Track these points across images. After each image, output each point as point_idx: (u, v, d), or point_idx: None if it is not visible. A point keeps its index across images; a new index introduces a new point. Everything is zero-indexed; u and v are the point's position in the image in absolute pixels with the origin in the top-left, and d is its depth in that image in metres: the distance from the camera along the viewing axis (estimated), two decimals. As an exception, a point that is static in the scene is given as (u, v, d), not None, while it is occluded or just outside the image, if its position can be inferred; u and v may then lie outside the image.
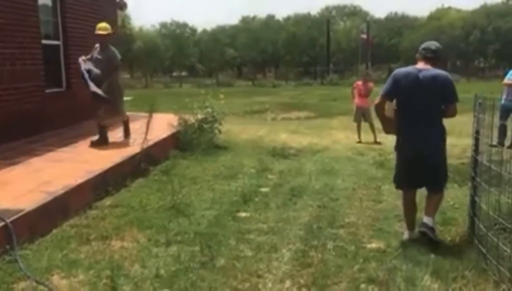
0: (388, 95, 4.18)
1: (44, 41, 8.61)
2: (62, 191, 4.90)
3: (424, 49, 4.23)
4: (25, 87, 7.68)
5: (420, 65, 4.17)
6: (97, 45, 7.46)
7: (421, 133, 3.97)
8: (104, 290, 3.32)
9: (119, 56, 7.55)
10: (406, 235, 4.33)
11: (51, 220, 4.53)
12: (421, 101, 3.97)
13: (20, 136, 7.24)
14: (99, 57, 7.35)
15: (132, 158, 6.63)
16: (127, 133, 7.92)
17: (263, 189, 6.11)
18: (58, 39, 9.23)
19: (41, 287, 3.41)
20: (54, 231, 4.46)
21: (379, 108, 4.25)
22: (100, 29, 7.38)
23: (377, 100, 4.29)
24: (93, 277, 3.57)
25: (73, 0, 9.51)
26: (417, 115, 3.98)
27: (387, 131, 4.50)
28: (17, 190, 4.99)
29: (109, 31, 7.45)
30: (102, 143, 7.28)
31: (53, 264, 3.77)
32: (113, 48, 7.46)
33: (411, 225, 4.34)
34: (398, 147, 4.36)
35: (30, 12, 7.96)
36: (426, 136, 4.06)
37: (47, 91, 8.65)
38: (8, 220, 3.99)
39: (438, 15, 56.88)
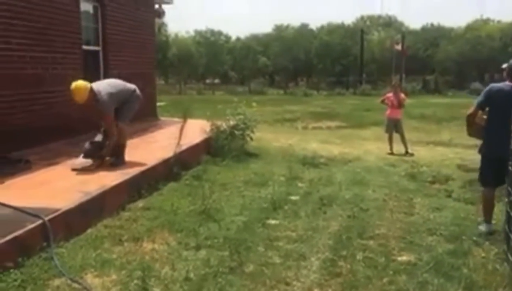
0: (481, 106, 4.83)
1: (84, 47, 8.89)
2: (97, 192, 5.05)
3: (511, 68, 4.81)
4: (64, 91, 7.91)
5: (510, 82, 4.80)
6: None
7: (507, 137, 4.31)
8: (135, 290, 3.39)
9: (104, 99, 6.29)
10: (484, 228, 4.83)
11: (86, 219, 4.66)
12: (510, 111, 4.42)
13: (59, 138, 7.48)
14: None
15: (165, 162, 6.75)
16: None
17: (293, 197, 6.12)
18: (98, 45, 9.51)
19: (75, 285, 3.51)
20: (89, 230, 4.59)
21: (472, 117, 4.87)
22: (75, 96, 6.14)
23: (471, 110, 4.88)
24: (124, 277, 3.66)
25: (114, 7, 9.79)
26: (505, 123, 4.38)
27: (471, 134, 5.11)
28: (55, 190, 5.17)
29: (84, 97, 6.13)
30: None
31: (87, 262, 3.88)
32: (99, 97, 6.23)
33: (490, 218, 4.88)
34: (485, 149, 4.91)
35: (72, 18, 8.24)
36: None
37: (86, 95, 8.89)
38: (46, 218, 4.13)
39: (476, 26, 55.69)
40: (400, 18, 64.77)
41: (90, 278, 3.64)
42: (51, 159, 6.49)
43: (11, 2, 6.78)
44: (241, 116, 9.21)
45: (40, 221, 4.09)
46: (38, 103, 7.38)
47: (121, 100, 6.47)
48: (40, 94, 7.36)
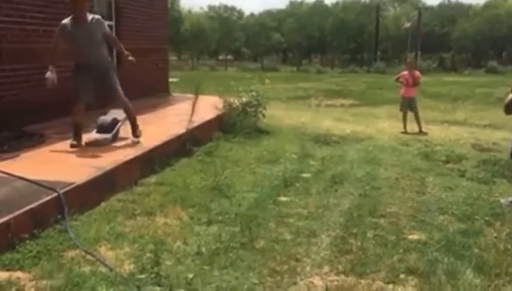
0: None
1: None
2: (111, 166, 5.10)
3: None
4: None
5: None
6: (65, 21, 5.90)
7: None
8: (148, 264, 3.44)
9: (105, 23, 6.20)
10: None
11: (100, 193, 4.72)
12: None
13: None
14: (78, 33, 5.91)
15: (178, 138, 6.78)
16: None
17: (305, 175, 6.13)
18: (111, 19, 9.48)
19: (89, 257, 3.57)
20: (103, 204, 4.65)
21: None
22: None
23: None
24: (137, 250, 3.72)
25: (126, -19, 9.73)
26: None
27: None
28: (69, 164, 5.24)
29: None
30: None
31: (100, 235, 3.94)
32: (94, 16, 6.01)
33: None
34: None
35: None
36: None
37: (99, 69, 8.92)
38: (61, 192, 4.19)
39: (495, 4, 54.41)
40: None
41: (103, 251, 3.71)
42: (65, 133, 6.53)
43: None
44: (254, 93, 9.18)
45: (55, 194, 4.15)
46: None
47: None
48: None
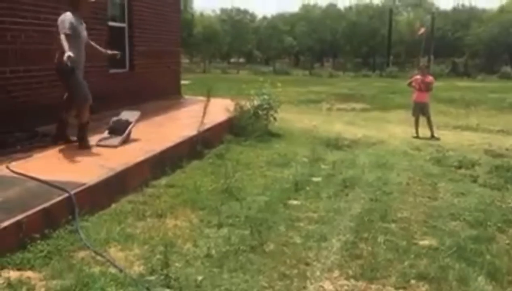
0: None
1: (110, 23, 8.94)
2: (122, 168, 5.12)
3: None
4: (90, 67, 7.97)
5: None
6: (69, 14, 5.77)
7: None
8: (157, 265, 3.45)
9: None
10: None
11: (111, 194, 4.75)
12: None
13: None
14: (84, 32, 5.99)
15: (189, 140, 6.80)
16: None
17: (315, 179, 6.10)
18: (123, 21, 9.55)
19: (99, 257, 3.59)
20: (113, 205, 4.67)
21: None
22: None
23: None
24: (147, 252, 3.73)
25: (140, -16, 9.79)
26: None
27: None
28: (80, 164, 5.27)
29: None
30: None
31: (110, 236, 3.96)
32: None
33: None
34: None
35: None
36: None
37: (111, 71, 8.99)
38: (72, 192, 4.22)
39: (509, 9, 53.87)
40: (430, -2, 62.89)
41: (113, 252, 3.72)
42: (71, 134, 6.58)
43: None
44: (265, 96, 9.18)
45: (66, 195, 4.18)
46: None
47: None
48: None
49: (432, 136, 9.83)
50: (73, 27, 5.69)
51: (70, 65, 5.49)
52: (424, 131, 9.95)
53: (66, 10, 5.78)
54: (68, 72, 5.71)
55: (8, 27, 6.36)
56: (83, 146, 5.96)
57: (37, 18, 6.84)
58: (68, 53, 5.39)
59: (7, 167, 4.88)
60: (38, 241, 3.68)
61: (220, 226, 4.30)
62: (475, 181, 6.29)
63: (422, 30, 37.91)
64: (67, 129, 6.17)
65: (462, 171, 6.86)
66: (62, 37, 5.55)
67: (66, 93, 6.10)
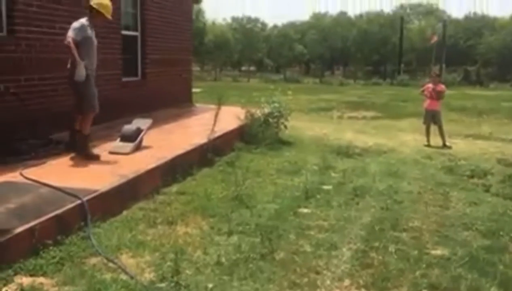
0: None
1: (123, 32, 9.04)
2: (133, 175, 5.16)
3: None
4: (104, 75, 8.07)
5: None
6: (85, 22, 5.81)
7: None
8: (168, 272, 3.46)
9: None
10: None
11: (122, 201, 4.78)
12: None
13: (98, 121, 7.63)
14: (93, 40, 5.96)
15: (200, 148, 6.83)
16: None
17: (326, 187, 6.10)
18: (136, 30, 9.65)
19: (110, 264, 3.61)
20: (125, 212, 4.71)
21: None
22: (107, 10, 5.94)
23: None
24: (158, 259, 3.75)
25: (153, -7, 9.90)
26: None
27: None
28: (93, 171, 5.32)
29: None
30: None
31: (122, 243, 3.99)
32: None
33: None
34: None
35: (113, 2, 8.36)
36: None
37: (124, 79, 9.08)
38: (84, 199, 4.26)
39: (522, 16, 53.56)
40: (442, 6, 62.73)
41: (125, 258, 3.74)
42: (90, 142, 6.65)
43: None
44: (276, 104, 9.20)
45: (78, 201, 4.22)
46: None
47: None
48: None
49: (444, 145, 9.76)
50: (86, 35, 5.72)
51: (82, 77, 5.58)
52: (435, 140, 9.90)
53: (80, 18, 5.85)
54: (81, 80, 5.73)
55: (24, 36, 6.46)
56: (88, 157, 5.82)
57: (53, 27, 6.94)
58: (81, 64, 5.53)
59: (21, 174, 4.94)
60: (51, 247, 3.72)
61: (230, 233, 4.31)
62: (487, 190, 6.24)
63: (435, 38, 37.77)
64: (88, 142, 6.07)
65: (475, 180, 6.81)
66: (69, 41, 5.54)
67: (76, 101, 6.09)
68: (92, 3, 5.85)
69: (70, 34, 5.63)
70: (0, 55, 6.14)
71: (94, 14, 5.86)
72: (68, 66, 5.80)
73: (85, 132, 5.94)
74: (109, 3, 5.98)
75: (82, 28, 5.69)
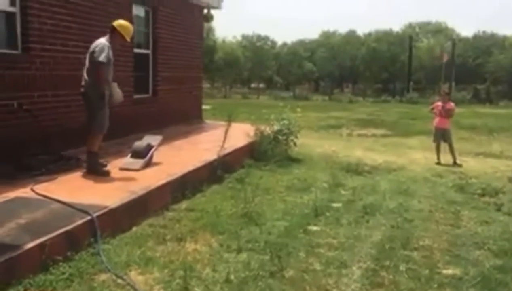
0: None
1: (135, 50, 9.16)
2: (143, 191, 5.18)
3: None
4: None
5: None
6: (107, 42, 5.92)
7: None
8: (177, 289, 3.46)
9: None
10: None
11: (132, 217, 4.80)
12: None
13: (109, 137, 7.70)
14: (112, 59, 6.02)
15: (209, 165, 6.85)
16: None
17: (335, 204, 6.07)
18: (148, 48, 9.78)
19: (119, 280, 3.61)
20: (134, 228, 4.72)
21: None
22: (128, 33, 6.11)
23: None
24: (167, 276, 3.74)
25: (165, 12, 10.04)
26: None
27: None
28: (103, 188, 5.35)
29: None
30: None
31: (131, 260, 3.99)
32: None
33: None
34: None
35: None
36: None
37: (135, 96, 9.17)
38: (94, 215, 4.28)
39: (531, 35, 53.48)
40: (450, 24, 62.90)
41: (134, 275, 3.74)
42: (100, 158, 6.69)
43: (71, 6, 7.09)
44: (285, 121, 9.23)
45: (88, 217, 4.24)
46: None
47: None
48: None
49: (455, 163, 9.70)
50: (108, 56, 5.82)
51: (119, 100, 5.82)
52: (446, 158, 9.84)
53: (97, 37, 5.96)
54: (96, 98, 5.84)
55: (38, 54, 6.58)
56: (98, 174, 5.87)
57: (66, 45, 7.06)
58: (118, 93, 5.86)
59: (32, 190, 4.99)
60: (60, 263, 3.74)
61: (239, 251, 4.30)
62: (499, 209, 6.17)
63: (446, 57, 37.86)
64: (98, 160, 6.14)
65: (486, 199, 6.74)
66: (100, 66, 5.70)
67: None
68: (114, 23, 6.00)
69: (97, 55, 5.73)
70: (14, 72, 6.25)
71: (115, 34, 5.98)
72: (83, 83, 5.91)
73: (93, 150, 5.98)
74: (130, 27, 6.13)
75: (105, 49, 5.80)
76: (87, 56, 5.92)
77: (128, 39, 6.15)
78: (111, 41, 5.95)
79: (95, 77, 5.78)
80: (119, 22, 6.03)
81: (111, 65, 5.93)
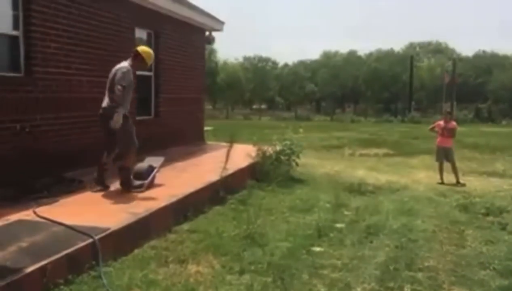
0: None
1: (138, 72, 9.20)
2: (145, 213, 5.16)
3: None
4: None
5: None
6: (129, 66, 6.25)
7: None
8: (179, 312, 3.42)
9: None
10: None
11: (134, 239, 4.76)
12: None
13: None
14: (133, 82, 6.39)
15: (212, 186, 6.83)
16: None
17: (339, 225, 6.03)
18: (150, 70, 9.85)
19: (121, 303, 3.58)
20: (136, 251, 4.68)
21: None
22: (150, 58, 6.46)
23: None
24: (169, 298, 3.70)
25: (167, 34, 10.14)
26: None
27: None
28: (105, 210, 5.33)
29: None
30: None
31: (133, 282, 3.95)
32: None
33: None
34: None
35: (128, 44, 8.58)
36: None
37: (138, 118, 9.19)
38: (96, 237, 4.25)
39: (531, 54, 53.81)
40: (451, 44, 63.41)
41: (136, 298, 3.70)
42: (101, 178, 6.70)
43: (74, 30, 7.17)
44: (287, 142, 9.24)
45: (90, 240, 4.21)
46: (94, 125, 7.65)
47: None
48: (95, 117, 7.64)
49: (458, 182, 9.66)
50: (130, 78, 6.14)
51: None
52: (449, 177, 9.80)
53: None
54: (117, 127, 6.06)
55: (41, 77, 6.62)
56: (134, 188, 6.20)
57: (69, 67, 7.12)
58: (119, 112, 5.98)
59: (34, 212, 4.97)
60: (62, 287, 3.70)
61: (242, 272, 4.26)
62: (503, 228, 6.12)
63: (447, 77, 38.26)
64: (106, 174, 6.37)
65: (490, 218, 6.70)
66: (120, 88, 5.96)
67: (107, 138, 6.36)
68: (138, 48, 6.40)
69: (119, 78, 6.02)
70: (17, 95, 6.28)
71: (138, 59, 6.31)
72: (104, 104, 6.22)
73: (126, 165, 6.27)
74: (152, 52, 6.50)
75: (128, 73, 6.13)
76: (109, 78, 6.23)
77: (149, 64, 6.52)
78: (132, 64, 6.27)
79: (115, 99, 6.05)
80: (142, 48, 6.44)
81: (131, 88, 6.23)
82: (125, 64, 6.22)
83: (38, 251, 3.89)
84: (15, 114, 6.21)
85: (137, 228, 4.89)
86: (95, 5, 7.64)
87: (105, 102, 6.25)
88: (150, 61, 6.50)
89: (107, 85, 6.27)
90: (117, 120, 5.98)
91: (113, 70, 6.24)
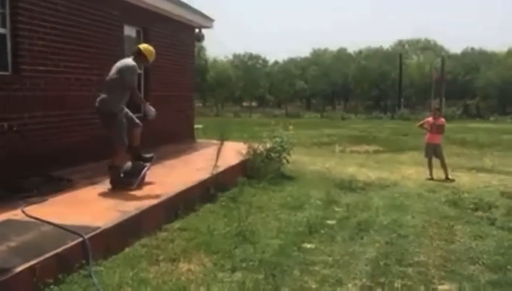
0: None
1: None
2: (135, 212, 5.13)
3: None
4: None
5: None
6: (136, 65, 6.32)
7: None
8: (171, 310, 3.40)
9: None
10: None
11: (124, 238, 4.74)
12: None
13: (100, 157, 7.67)
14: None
15: (202, 184, 6.82)
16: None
17: (329, 222, 6.05)
18: (140, 67, 9.79)
19: (112, 302, 3.56)
20: (127, 249, 4.65)
21: None
22: (152, 56, 6.60)
23: None
24: (160, 297, 3.68)
25: (156, 32, 10.08)
26: None
27: None
28: (95, 208, 5.29)
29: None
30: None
31: (124, 281, 3.93)
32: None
33: None
34: None
35: (116, 42, 8.54)
36: None
37: (127, 116, 9.14)
38: (86, 236, 4.22)
39: (518, 50, 54.30)
40: (440, 42, 63.74)
41: (126, 297, 3.68)
42: (92, 178, 6.66)
43: (62, 27, 7.11)
44: (278, 139, 9.24)
45: (80, 239, 4.18)
46: (82, 124, 7.62)
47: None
48: (83, 115, 7.60)
49: (447, 178, 9.74)
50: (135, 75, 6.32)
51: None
52: (438, 173, 9.87)
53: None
54: (110, 116, 6.15)
55: (28, 75, 6.56)
56: (124, 185, 6.18)
57: (57, 65, 7.06)
58: (151, 110, 6.49)
59: (23, 212, 4.92)
60: (52, 286, 3.67)
61: (233, 270, 4.26)
62: (492, 223, 6.18)
63: (436, 74, 38.54)
64: (120, 174, 6.38)
65: (479, 213, 6.76)
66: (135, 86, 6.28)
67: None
68: (140, 46, 6.59)
69: (130, 79, 6.19)
70: (4, 93, 6.22)
71: (141, 56, 6.47)
72: (103, 95, 6.21)
73: (119, 164, 6.33)
74: (153, 50, 6.63)
75: (137, 72, 6.32)
76: (111, 72, 6.27)
77: (150, 61, 6.62)
78: (137, 61, 6.39)
79: (115, 94, 6.15)
80: (144, 46, 6.63)
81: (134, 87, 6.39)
82: (131, 62, 6.30)
83: (28, 250, 3.86)
84: (2, 113, 6.14)
85: (128, 227, 4.86)
86: (83, 3, 7.59)
87: (101, 97, 6.26)
88: (152, 58, 6.60)
89: (107, 79, 6.30)
90: (150, 112, 6.45)
91: (118, 65, 6.28)
